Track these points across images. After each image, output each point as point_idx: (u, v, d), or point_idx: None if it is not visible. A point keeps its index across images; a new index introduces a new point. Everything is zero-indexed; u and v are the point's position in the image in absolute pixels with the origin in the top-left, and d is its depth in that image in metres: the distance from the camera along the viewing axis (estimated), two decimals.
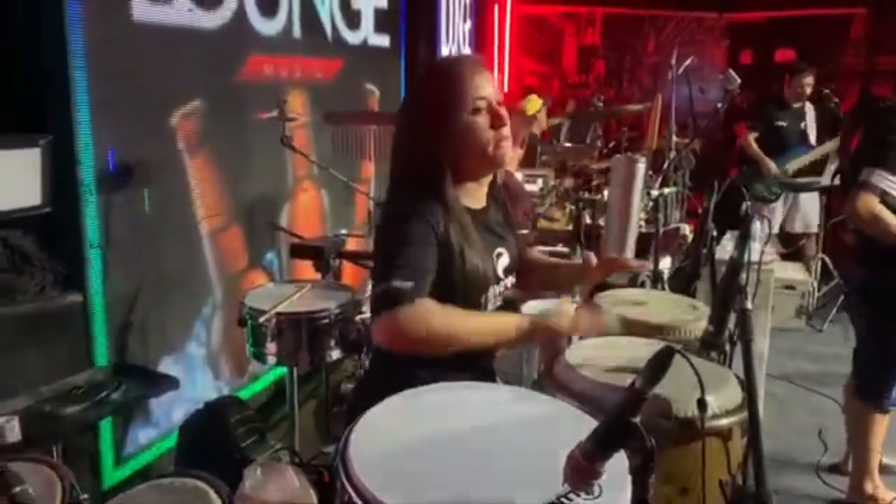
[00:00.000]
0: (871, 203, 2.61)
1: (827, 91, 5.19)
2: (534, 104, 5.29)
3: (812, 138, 5.32)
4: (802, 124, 5.34)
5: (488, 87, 1.58)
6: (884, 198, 2.61)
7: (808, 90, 5.28)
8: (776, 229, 5.35)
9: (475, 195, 1.68)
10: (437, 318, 1.43)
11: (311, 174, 3.96)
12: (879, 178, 2.60)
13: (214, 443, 2.47)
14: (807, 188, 5.29)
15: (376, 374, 1.76)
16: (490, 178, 1.71)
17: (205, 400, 2.72)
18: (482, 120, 1.56)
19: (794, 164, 5.28)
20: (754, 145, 5.35)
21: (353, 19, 4.25)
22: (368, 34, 4.47)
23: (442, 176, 1.55)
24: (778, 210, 5.39)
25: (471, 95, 1.55)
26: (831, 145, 5.14)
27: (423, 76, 1.73)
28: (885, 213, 2.62)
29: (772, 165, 5.26)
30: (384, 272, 1.44)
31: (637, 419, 0.97)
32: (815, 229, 5.46)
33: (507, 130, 1.58)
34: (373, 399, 1.34)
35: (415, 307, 1.41)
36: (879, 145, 2.66)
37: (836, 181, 3.14)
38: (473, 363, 1.63)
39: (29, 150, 2.22)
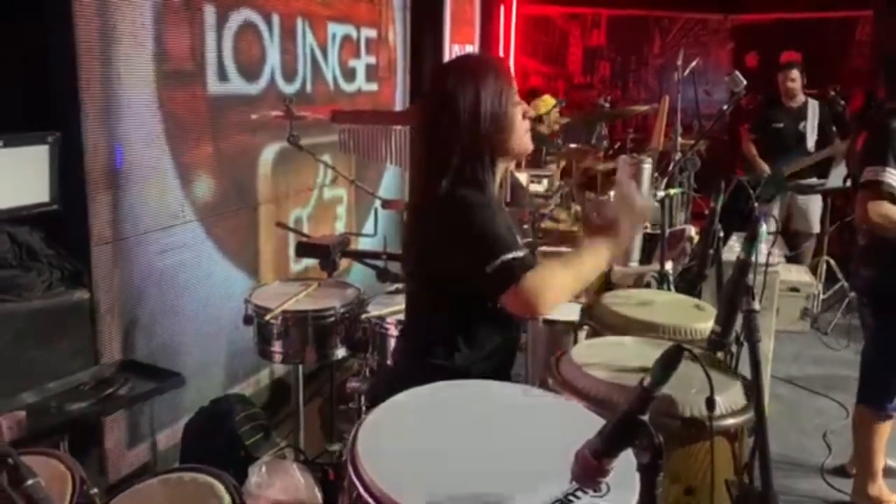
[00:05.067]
0: (878, 206, 2.58)
1: (833, 92, 5.14)
2: (546, 104, 5.31)
3: (810, 141, 5.20)
4: (802, 125, 5.22)
5: (512, 80, 1.66)
6: (892, 197, 2.58)
7: (794, 84, 5.16)
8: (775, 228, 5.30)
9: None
10: (554, 278, 1.51)
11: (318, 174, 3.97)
12: (885, 174, 2.57)
13: (219, 440, 2.48)
14: (811, 190, 5.25)
15: (405, 366, 1.81)
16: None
17: (210, 397, 2.74)
18: (520, 111, 1.65)
19: (789, 169, 5.19)
20: (751, 147, 5.32)
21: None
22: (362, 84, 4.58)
23: (487, 172, 1.62)
24: (774, 210, 5.34)
25: (512, 89, 1.63)
26: (832, 149, 5.08)
27: (459, 77, 1.65)
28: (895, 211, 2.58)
29: (764, 167, 5.21)
30: (492, 251, 1.48)
31: (645, 417, 0.97)
32: (815, 230, 5.42)
33: (528, 122, 1.68)
34: (401, 390, 1.40)
35: (534, 274, 1.47)
36: (881, 145, 2.65)
37: (848, 184, 3.11)
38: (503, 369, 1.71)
39: (37, 147, 2.23)
